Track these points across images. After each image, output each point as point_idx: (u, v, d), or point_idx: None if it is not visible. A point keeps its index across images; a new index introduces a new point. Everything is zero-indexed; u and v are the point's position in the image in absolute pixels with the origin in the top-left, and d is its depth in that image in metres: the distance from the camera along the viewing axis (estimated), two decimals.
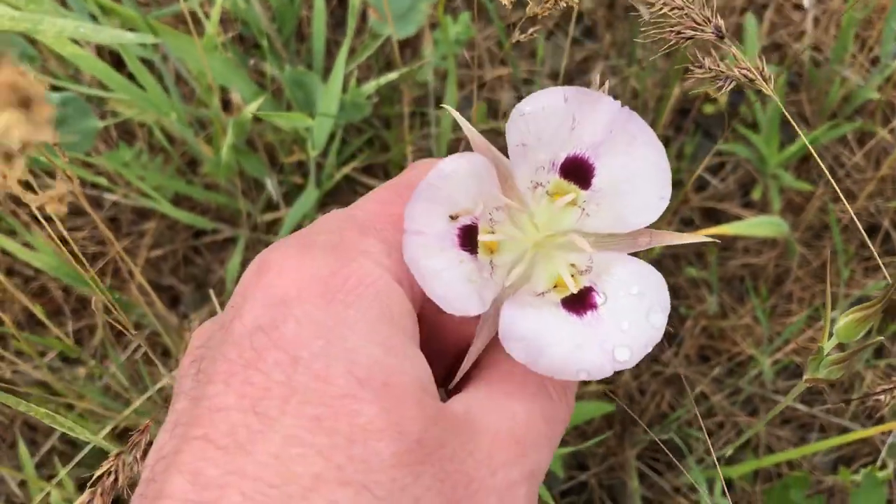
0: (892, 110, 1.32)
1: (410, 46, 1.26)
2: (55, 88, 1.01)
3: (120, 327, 0.75)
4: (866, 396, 0.48)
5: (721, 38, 0.51)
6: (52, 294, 1.18)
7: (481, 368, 0.43)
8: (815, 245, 1.25)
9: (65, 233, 0.64)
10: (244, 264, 1.19)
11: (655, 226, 0.45)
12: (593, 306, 0.42)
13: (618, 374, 1.15)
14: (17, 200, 1.19)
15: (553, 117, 0.42)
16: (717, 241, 0.43)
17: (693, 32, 0.52)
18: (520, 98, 1.35)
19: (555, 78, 1.35)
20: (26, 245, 0.98)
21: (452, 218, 0.42)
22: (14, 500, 1.08)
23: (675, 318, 1.23)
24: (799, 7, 1.39)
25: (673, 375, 1.18)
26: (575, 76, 1.36)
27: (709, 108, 1.34)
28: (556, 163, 0.43)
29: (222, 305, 1.11)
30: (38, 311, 0.78)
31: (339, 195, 1.24)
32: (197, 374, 0.37)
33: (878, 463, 1.05)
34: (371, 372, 0.35)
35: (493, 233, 0.43)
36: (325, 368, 0.35)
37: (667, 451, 0.73)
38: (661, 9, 0.51)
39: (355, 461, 0.33)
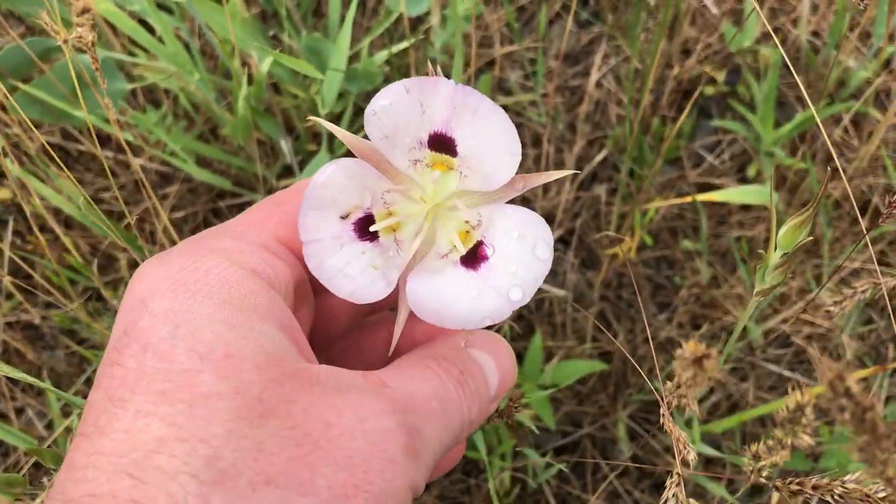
0: (887, 93, 1.37)
1: (422, 24, 1.33)
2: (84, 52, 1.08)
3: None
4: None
5: None
6: (80, 249, 1.25)
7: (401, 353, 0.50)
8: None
9: (76, 185, 0.70)
10: None
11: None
12: (485, 258, 0.48)
13: (611, 337, 1.20)
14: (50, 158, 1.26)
15: (401, 107, 0.47)
16: (577, 171, 0.50)
17: None
18: (526, 76, 1.41)
19: (564, 59, 1.41)
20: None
21: (343, 218, 0.48)
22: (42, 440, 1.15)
23: (670, 288, 1.29)
24: None
25: (665, 340, 1.23)
26: (581, 57, 1.42)
27: (708, 90, 1.39)
28: (423, 141, 0.48)
29: None
30: (73, 250, 0.85)
31: None
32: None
33: None
34: (213, 346, 0.40)
35: (390, 215, 0.49)
36: (171, 349, 0.39)
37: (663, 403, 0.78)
38: None
39: (195, 419, 0.37)
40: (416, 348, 0.49)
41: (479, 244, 0.48)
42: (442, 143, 0.48)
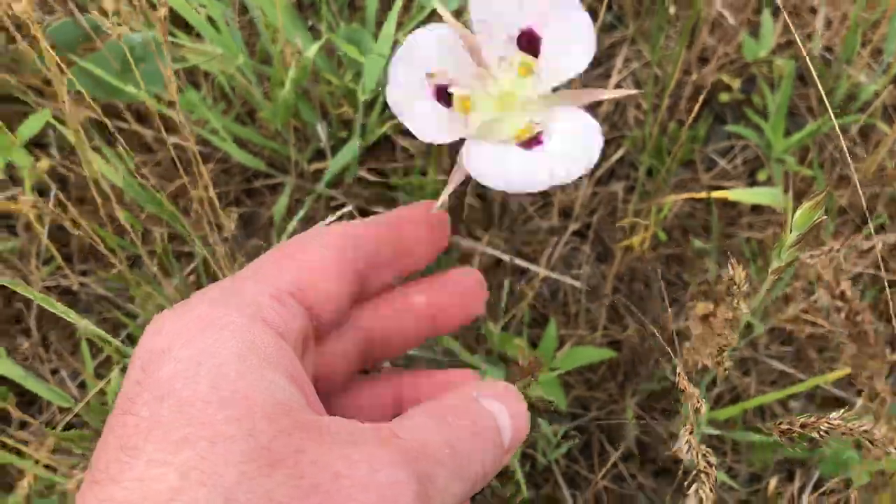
0: (895, 107, 1.43)
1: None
2: (132, 30, 1.13)
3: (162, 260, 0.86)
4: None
5: None
6: (117, 222, 1.30)
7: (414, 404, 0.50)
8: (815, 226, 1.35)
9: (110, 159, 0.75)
10: (290, 208, 1.31)
11: None
12: (539, 143, 0.51)
13: (623, 328, 1.25)
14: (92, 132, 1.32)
15: None
16: (639, 91, 0.55)
17: None
18: None
19: None
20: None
21: (429, 76, 0.52)
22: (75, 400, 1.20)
23: (680, 285, 1.34)
24: (814, 11, 1.50)
25: (674, 332, 1.28)
26: (603, 60, 1.48)
27: (724, 97, 1.45)
28: (513, 37, 0.52)
29: (265, 240, 1.24)
30: (122, 216, 0.90)
31: (379, 152, 1.36)
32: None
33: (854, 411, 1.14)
34: (229, 394, 0.41)
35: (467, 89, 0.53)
36: (192, 395, 0.40)
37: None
38: None
39: (208, 462, 0.38)
40: (425, 401, 0.49)
41: (539, 133, 0.51)
42: (529, 42, 0.52)
